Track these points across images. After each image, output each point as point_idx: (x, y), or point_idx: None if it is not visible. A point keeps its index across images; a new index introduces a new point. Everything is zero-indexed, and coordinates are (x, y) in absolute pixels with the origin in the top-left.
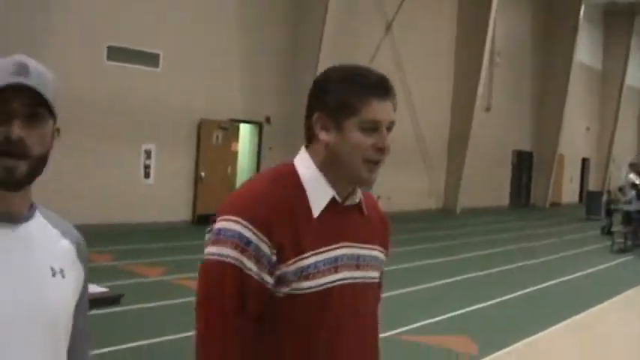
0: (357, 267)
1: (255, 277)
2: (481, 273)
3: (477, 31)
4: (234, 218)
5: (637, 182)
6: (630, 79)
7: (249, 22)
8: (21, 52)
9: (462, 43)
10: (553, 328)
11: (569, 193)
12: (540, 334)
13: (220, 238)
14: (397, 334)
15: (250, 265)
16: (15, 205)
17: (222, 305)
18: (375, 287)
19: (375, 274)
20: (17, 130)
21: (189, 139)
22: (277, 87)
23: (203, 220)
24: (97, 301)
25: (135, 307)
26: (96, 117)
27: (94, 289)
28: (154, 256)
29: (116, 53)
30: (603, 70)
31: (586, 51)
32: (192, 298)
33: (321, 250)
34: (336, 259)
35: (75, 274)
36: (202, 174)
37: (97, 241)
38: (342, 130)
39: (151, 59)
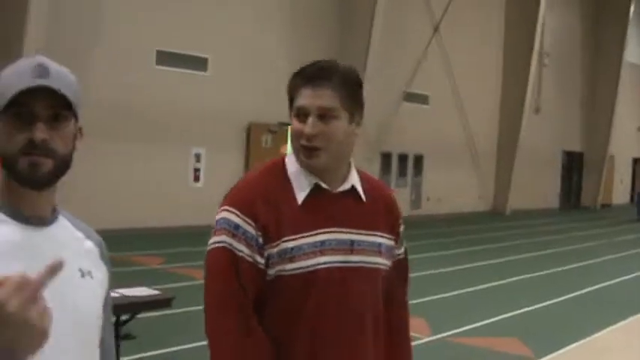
0: (351, 251)
1: (247, 257)
2: (532, 275)
3: (525, 32)
4: (225, 208)
5: None
6: None
7: (297, 24)
8: (71, 57)
9: (510, 44)
10: (607, 330)
11: (620, 193)
12: (594, 336)
13: (216, 228)
14: (447, 336)
15: (241, 247)
16: (41, 207)
17: (220, 280)
18: (380, 272)
19: (378, 259)
20: (40, 133)
21: (238, 142)
22: None
23: None
24: (148, 304)
25: (185, 309)
26: (145, 121)
27: (146, 291)
28: (202, 260)
29: (165, 57)
30: None
31: (636, 50)
32: None
33: (306, 234)
34: (322, 242)
35: (101, 275)
36: None
37: (147, 244)
38: (291, 119)
39: (200, 63)
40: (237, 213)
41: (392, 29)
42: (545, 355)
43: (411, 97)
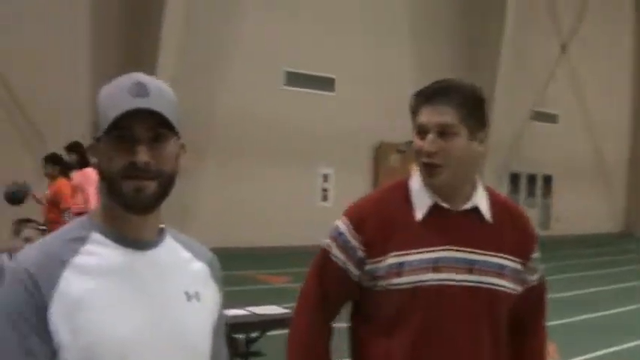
0: (470, 271)
1: (340, 263)
2: None
3: None
4: (341, 217)
5: None
6: None
7: (423, 43)
8: (201, 76)
9: None
10: None
11: None
12: None
13: (330, 230)
14: None
15: (337, 253)
16: (145, 230)
17: (307, 285)
18: (499, 295)
19: (498, 281)
20: (142, 156)
21: (366, 162)
22: None
23: None
24: (279, 322)
25: None
26: (274, 141)
27: (275, 310)
28: None
29: (293, 78)
30: None
31: None
32: None
33: (419, 250)
34: (436, 260)
35: (210, 296)
36: None
37: (274, 263)
38: (414, 137)
39: (327, 83)
40: (346, 223)
41: (519, 48)
42: None
43: (539, 117)
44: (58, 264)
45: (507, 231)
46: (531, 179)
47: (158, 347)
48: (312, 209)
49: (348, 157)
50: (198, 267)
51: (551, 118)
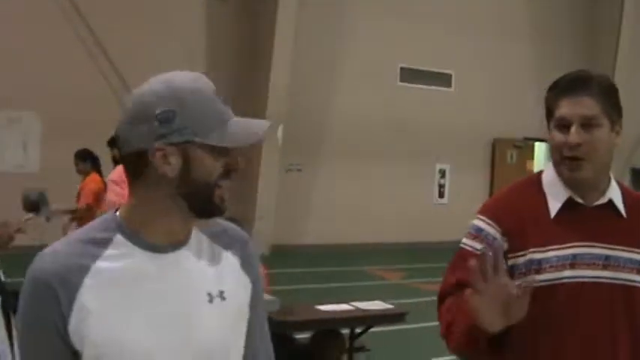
0: (605, 267)
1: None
2: None
3: None
4: (477, 216)
5: None
6: None
7: (541, 37)
8: (315, 74)
9: None
10: None
11: None
12: None
13: (466, 232)
14: None
15: (478, 246)
16: (182, 233)
17: (444, 282)
18: (638, 292)
19: (636, 276)
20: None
21: (483, 158)
22: None
23: None
24: (382, 317)
25: (420, 325)
26: (390, 138)
27: (381, 305)
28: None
29: (408, 74)
30: None
31: None
32: None
33: (556, 246)
34: (573, 256)
35: (240, 289)
36: None
37: (389, 259)
38: (550, 131)
39: (444, 79)
40: (483, 218)
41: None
42: None
43: None
44: (77, 272)
45: None
46: None
47: (176, 357)
48: (429, 206)
49: (464, 153)
50: (228, 258)
51: None
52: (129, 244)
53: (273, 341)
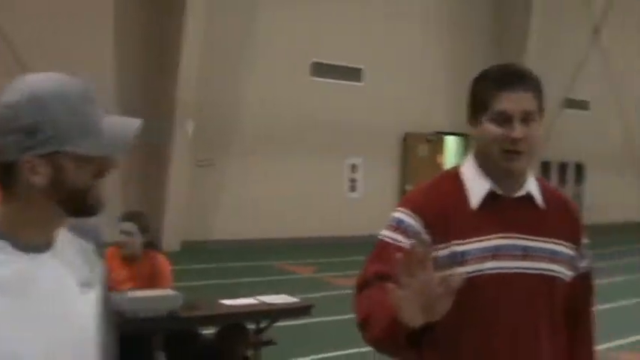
0: (524, 257)
1: (404, 245)
2: None
3: None
4: (396, 209)
5: None
6: None
7: (452, 32)
8: (225, 70)
9: None
10: None
11: None
12: None
13: (386, 224)
14: (599, 350)
15: (399, 238)
16: (57, 230)
17: (364, 272)
18: (555, 282)
19: (553, 266)
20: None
21: (394, 152)
22: None
23: None
24: (287, 311)
25: (329, 318)
26: (301, 132)
27: (285, 299)
28: (357, 269)
29: (320, 69)
30: None
31: None
32: None
33: (478, 238)
34: (495, 247)
35: (97, 278)
36: (408, 187)
37: (302, 253)
38: (481, 124)
39: (355, 74)
40: (405, 211)
41: (549, 33)
42: None
43: (570, 104)
44: None
45: (558, 217)
46: (562, 168)
47: (52, 343)
48: (341, 200)
49: (375, 147)
50: (85, 249)
51: (582, 105)
52: (8, 246)
53: (179, 338)
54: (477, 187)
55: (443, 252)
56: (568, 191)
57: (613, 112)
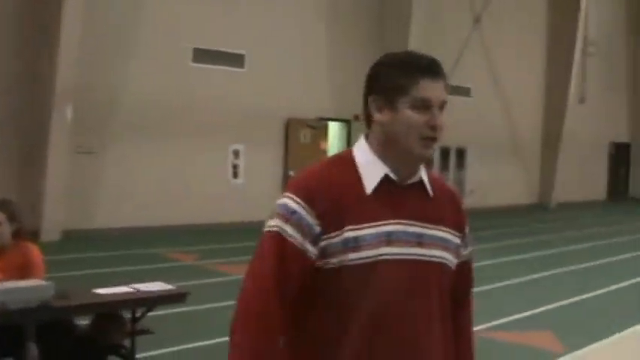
0: (419, 245)
1: (297, 244)
2: (571, 268)
3: (569, 21)
4: (285, 194)
5: None
6: None
7: (334, 18)
8: (106, 54)
9: (553, 34)
10: None
11: None
12: (629, 330)
13: (272, 213)
14: (479, 330)
15: (292, 232)
16: None
17: (263, 266)
18: (446, 269)
19: (444, 254)
20: None
21: (276, 138)
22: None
23: None
24: (162, 299)
25: (210, 305)
26: (183, 119)
27: (161, 286)
28: (240, 255)
29: (202, 55)
30: None
31: None
32: None
33: (372, 224)
34: (388, 233)
35: None
36: (291, 173)
37: (184, 241)
38: (396, 109)
39: (236, 60)
40: (295, 199)
41: (432, 21)
42: (578, 348)
43: (452, 90)
44: None
45: (445, 205)
46: (445, 153)
47: None
48: (224, 186)
49: (258, 133)
50: None
51: (464, 92)
52: None
53: (53, 329)
54: (371, 172)
55: (337, 238)
56: (450, 176)
57: (494, 99)
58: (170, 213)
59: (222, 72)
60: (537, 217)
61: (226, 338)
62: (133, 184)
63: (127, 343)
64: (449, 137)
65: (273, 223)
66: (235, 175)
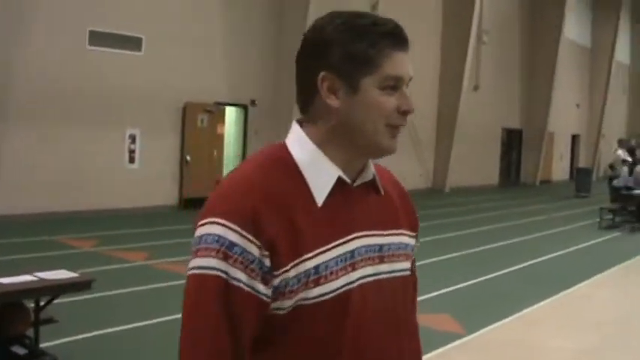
0: (381, 259)
1: (246, 288)
2: (467, 252)
3: (463, 9)
4: (212, 220)
5: (627, 159)
6: (619, 55)
7: (230, 3)
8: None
9: (448, 22)
10: (539, 304)
11: (560, 170)
12: (524, 312)
13: (200, 247)
14: None
15: (237, 274)
16: None
17: (204, 329)
18: (408, 281)
19: (406, 264)
20: None
21: (174, 122)
22: (262, 69)
23: (189, 204)
24: (66, 287)
25: (111, 292)
26: (79, 103)
27: (65, 274)
28: (138, 241)
29: (98, 38)
30: (592, 46)
31: (574, 28)
32: (173, 282)
33: (331, 245)
34: (352, 253)
35: None
36: (188, 158)
37: (81, 227)
38: (358, 90)
39: (134, 43)
40: (231, 226)
41: (329, 7)
42: (476, 330)
43: None
44: None
45: (397, 202)
46: None
47: None
48: (120, 171)
49: (154, 118)
50: None
51: None
52: None
53: None
54: (319, 175)
55: (292, 271)
56: None
57: None
58: (66, 199)
59: (119, 55)
60: (432, 202)
61: (129, 325)
62: (29, 170)
63: (30, 332)
64: None
65: (205, 264)
66: (131, 160)
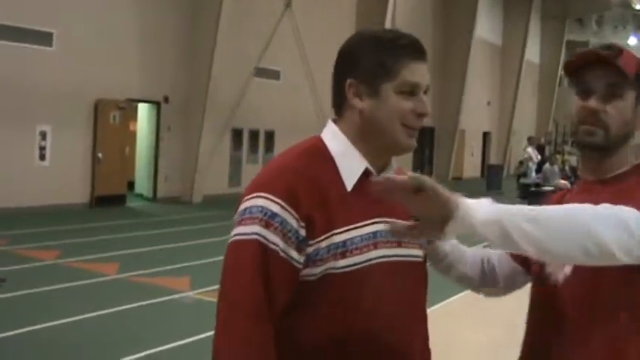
0: (399, 243)
1: (281, 253)
2: None
3: (377, 6)
4: (257, 194)
5: (536, 156)
6: (529, 55)
7: (146, 2)
8: None
9: (362, 20)
10: (454, 297)
11: (471, 167)
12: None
13: (244, 217)
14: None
15: (276, 240)
16: None
17: (243, 285)
18: (422, 267)
19: (420, 252)
20: None
21: (85, 119)
22: (176, 66)
23: (101, 202)
24: None
25: (22, 292)
26: None
27: None
28: (50, 240)
29: (6, 32)
30: (503, 45)
31: (486, 27)
32: (85, 281)
33: (358, 224)
34: (374, 234)
35: None
36: (100, 155)
37: None
38: (379, 95)
39: (44, 38)
40: (274, 199)
41: (242, 5)
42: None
43: (261, 73)
44: None
45: None
46: (254, 135)
47: None
48: (31, 169)
49: (66, 114)
50: None
51: (273, 75)
52: None
53: None
54: (350, 165)
55: (323, 243)
56: (259, 158)
57: (303, 82)
58: None
59: (30, 50)
60: None
61: (43, 325)
62: None
63: None
64: (258, 120)
65: (248, 230)
66: (42, 157)
